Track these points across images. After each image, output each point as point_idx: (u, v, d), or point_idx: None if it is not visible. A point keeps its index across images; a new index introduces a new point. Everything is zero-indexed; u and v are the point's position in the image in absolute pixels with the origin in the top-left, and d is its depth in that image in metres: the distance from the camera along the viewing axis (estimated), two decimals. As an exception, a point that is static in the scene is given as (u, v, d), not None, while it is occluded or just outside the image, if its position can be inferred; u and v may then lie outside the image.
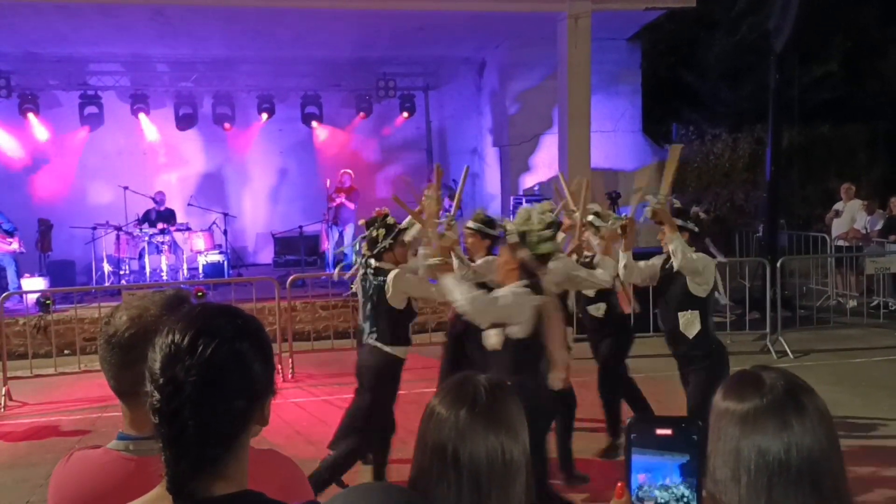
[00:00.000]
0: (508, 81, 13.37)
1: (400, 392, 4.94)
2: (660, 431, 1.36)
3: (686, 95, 18.09)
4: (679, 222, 4.82)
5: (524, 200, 12.57)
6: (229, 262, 12.35)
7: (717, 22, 17.20)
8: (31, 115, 13.22)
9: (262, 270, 13.51)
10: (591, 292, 5.70)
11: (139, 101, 13.63)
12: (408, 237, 5.08)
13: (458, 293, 4.07)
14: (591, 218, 5.72)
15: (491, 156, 14.57)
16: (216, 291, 11.09)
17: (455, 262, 4.68)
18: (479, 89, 15.04)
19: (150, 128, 14.07)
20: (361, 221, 5.15)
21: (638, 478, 1.36)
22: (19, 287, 10.49)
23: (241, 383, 1.25)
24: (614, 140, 13.56)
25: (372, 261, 4.85)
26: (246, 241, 14.88)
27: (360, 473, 5.47)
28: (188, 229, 12.33)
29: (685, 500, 1.33)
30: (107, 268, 11.72)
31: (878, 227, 12.23)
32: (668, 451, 1.35)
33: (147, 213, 12.29)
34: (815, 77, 16.73)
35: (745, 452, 1.35)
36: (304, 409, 7.20)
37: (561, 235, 5.42)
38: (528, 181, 13.28)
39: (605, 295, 5.65)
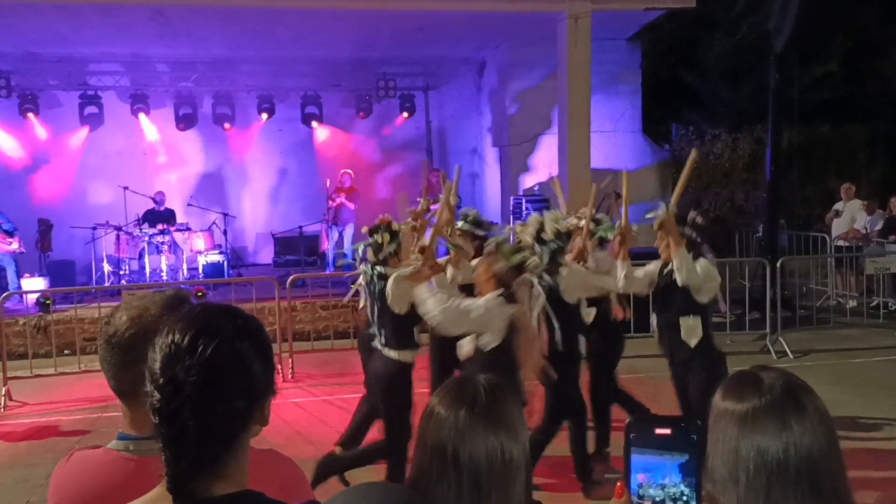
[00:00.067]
0: (508, 81, 13.37)
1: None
2: (659, 431, 1.36)
3: (686, 95, 18.09)
4: (680, 229, 4.75)
5: (524, 201, 12.59)
6: (229, 262, 12.36)
7: (716, 22, 17.20)
8: (31, 115, 13.22)
9: (262, 270, 13.51)
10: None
11: (139, 101, 13.63)
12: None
13: (430, 303, 4.11)
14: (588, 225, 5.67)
15: (491, 156, 14.57)
16: (216, 291, 11.09)
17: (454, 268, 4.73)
18: (478, 89, 15.05)
19: (150, 128, 14.07)
20: (365, 229, 5.09)
21: (637, 477, 1.36)
22: (19, 287, 10.49)
23: (241, 383, 1.25)
24: (614, 140, 13.55)
25: (378, 267, 4.83)
26: (246, 241, 14.88)
27: (360, 473, 5.47)
28: (188, 229, 12.33)
29: (684, 499, 1.33)
30: (107, 268, 11.72)
31: (878, 227, 12.24)
32: (667, 451, 1.35)
33: (147, 213, 12.29)
34: (815, 77, 16.74)
35: (743, 452, 1.35)
36: (304, 409, 7.20)
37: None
38: (528, 181, 13.28)
39: (596, 300, 5.55)
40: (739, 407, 1.38)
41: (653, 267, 5.02)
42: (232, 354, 1.24)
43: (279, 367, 8.15)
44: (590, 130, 10.89)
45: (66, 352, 9.08)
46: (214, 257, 12.04)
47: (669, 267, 4.79)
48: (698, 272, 4.65)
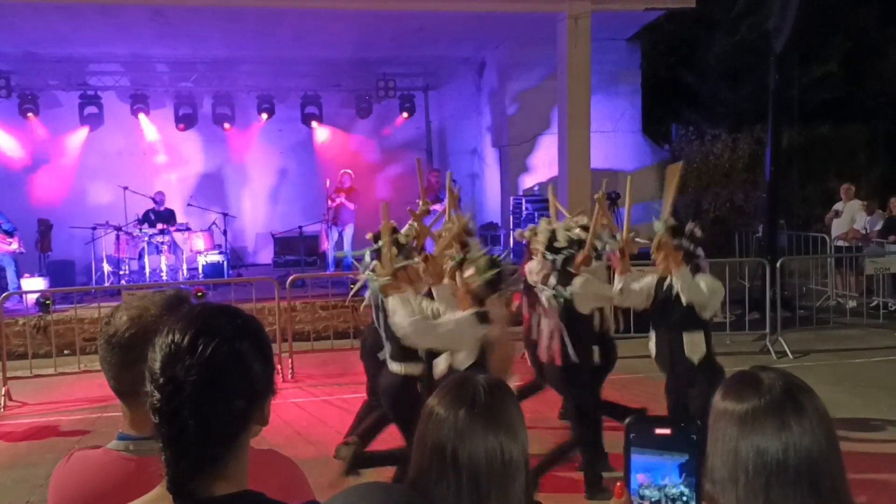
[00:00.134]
0: (508, 81, 13.37)
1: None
2: (659, 431, 1.36)
3: (686, 96, 18.08)
4: (675, 242, 4.61)
5: (524, 201, 12.60)
6: (229, 262, 12.35)
7: (716, 22, 17.19)
8: (31, 115, 13.22)
9: (262, 270, 13.51)
10: None
11: (139, 102, 13.64)
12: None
13: (399, 315, 4.10)
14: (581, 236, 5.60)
15: (490, 156, 14.58)
16: (216, 291, 11.09)
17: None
18: (478, 89, 15.05)
19: (150, 128, 14.07)
20: (369, 235, 5.02)
21: (637, 477, 1.36)
22: (19, 287, 10.49)
23: (241, 383, 1.25)
24: (614, 140, 13.56)
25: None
26: (246, 241, 14.88)
27: (360, 473, 5.47)
28: (188, 229, 12.33)
29: (684, 499, 1.33)
30: (106, 268, 11.72)
31: (878, 227, 12.24)
32: (667, 451, 1.35)
33: (147, 213, 12.29)
34: (815, 77, 16.73)
35: (743, 453, 1.35)
36: (304, 409, 7.20)
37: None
38: (528, 181, 13.29)
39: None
40: (739, 407, 1.38)
41: (650, 279, 4.85)
42: (232, 354, 1.24)
43: (279, 367, 8.15)
44: (590, 130, 10.89)
45: (65, 352, 9.08)
46: (214, 257, 12.04)
47: (668, 281, 4.66)
48: (703, 288, 4.54)
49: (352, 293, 5.51)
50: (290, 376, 8.41)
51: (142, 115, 13.74)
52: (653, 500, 1.35)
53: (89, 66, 13.69)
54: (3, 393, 7.69)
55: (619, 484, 1.38)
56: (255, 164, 14.90)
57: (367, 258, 4.93)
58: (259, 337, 1.31)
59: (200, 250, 12.23)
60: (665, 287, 4.71)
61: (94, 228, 11.84)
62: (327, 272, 11.88)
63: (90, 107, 13.56)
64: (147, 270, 11.63)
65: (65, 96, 13.73)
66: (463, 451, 1.40)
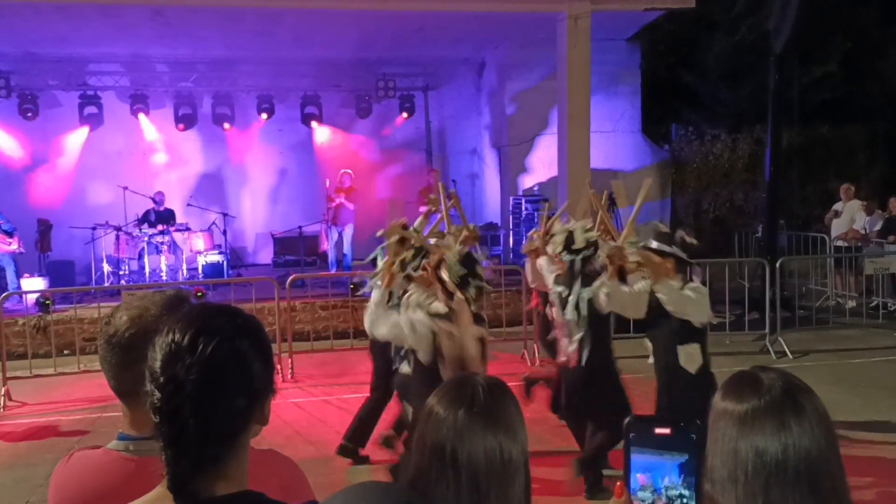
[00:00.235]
0: (508, 82, 13.37)
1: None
2: (658, 431, 1.36)
3: (685, 96, 18.08)
4: (665, 248, 4.47)
5: (523, 201, 12.60)
6: (229, 262, 12.35)
7: (716, 22, 17.19)
8: (30, 115, 13.22)
9: (262, 271, 13.51)
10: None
11: (139, 102, 13.64)
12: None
13: (370, 303, 4.30)
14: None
15: (490, 156, 14.58)
16: (216, 292, 11.09)
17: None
18: (478, 89, 15.05)
19: (150, 128, 14.07)
20: (380, 233, 4.98)
21: (637, 477, 1.36)
22: (19, 287, 10.48)
23: (241, 382, 1.25)
24: (614, 140, 13.57)
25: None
26: (245, 241, 14.88)
27: (360, 473, 5.48)
28: (188, 229, 12.33)
29: (684, 499, 1.33)
30: (106, 268, 11.72)
31: (878, 227, 12.24)
32: (666, 451, 1.35)
33: (146, 213, 12.29)
34: (815, 77, 16.73)
35: (742, 453, 1.35)
36: (304, 409, 7.20)
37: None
38: (528, 181, 13.29)
39: None
40: (739, 407, 1.38)
41: (643, 285, 4.63)
42: (232, 353, 1.25)
43: (279, 367, 8.15)
44: (589, 131, 10.89)
45: (65, 352, 9.08)
46: (214, 257, 12.04)
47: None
48: (691, 297, 4.36)
49: (361, 291, 5.48)
50: (289, 376, 8.42)
51: (141, 115, 13.74)
52: (653, 499, 1.35)
53: (89, 66, 13.69)
54: (2, 393, 7.69)
55: (618, 484, 1.38)
56: (254, 164, 14.90)
57: (379, 256, 4.93)
58: (259, 336, 1.32)
59: (200, 250, 12.23)
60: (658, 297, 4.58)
61: (93, 228, 11.84)
62: (331, 272, 11.89)
63: (90, 107, 13.57)
64: (147, 270, 11.63)
65: (65, 96, 13.73)
66: (462, 450, 1.40)
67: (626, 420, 1.40)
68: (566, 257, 5.10)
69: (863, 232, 12.28)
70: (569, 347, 5.06)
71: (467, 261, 4.23)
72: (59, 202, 13.52)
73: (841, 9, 14.03)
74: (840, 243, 12.41)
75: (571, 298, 5.01)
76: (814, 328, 10.19)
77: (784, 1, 10.15)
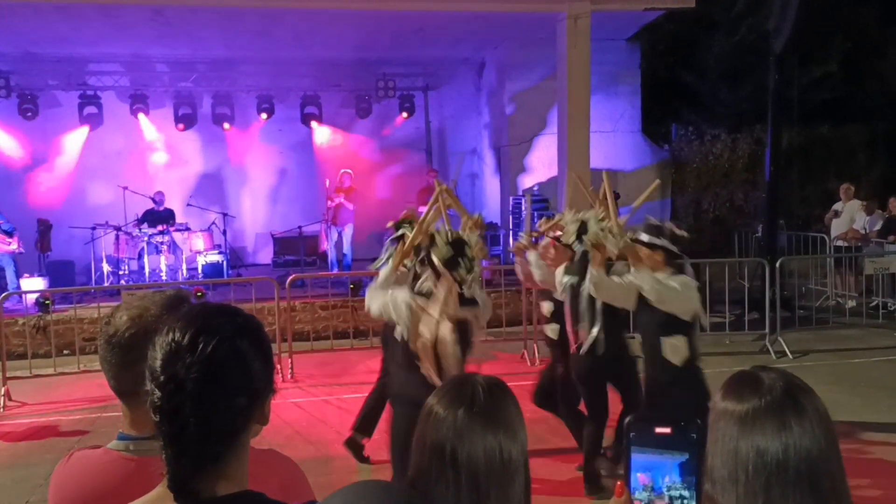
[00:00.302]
0: (508, 82, 13.38)
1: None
2: (659, 430, 1.36)
3: (685, 96, 18.08)
4: (657, 242, 4.44)
5: (523, 201, 12.59)
6: (228, 262, 12.35)
7: (716, 22, 17.20)
8: (30, 115, 13.22)
9: (262, 271, 13.52)
10: (547, 312, 5.58)
11: (138, 102, 13.64)
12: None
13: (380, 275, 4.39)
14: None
15: (490, 156, 14.59)
16: (215, 291, 11.09)
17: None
18: (478, 89, 15.06)
19: (150, 128, 14.07)
20: (390, 224, 5.00)
21: (637, 476, 1.36)
22: (18, 287, 10.48)
23: (241, 380, 1.26)
24: (613, 140, 13.57)
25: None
26: (245, 241, 14.88)
27: (359, 473, 5.48)
28: (187, 229, 12.33)
29: (684, 499, 1.33)
30: (106, 268, 11.72)
31: (877, 227, 12.24)
32: (667, 450, 1.35)
33: (146, 213, 12.29)
34: (815, 77, 16.73)
35: (743, 453, 1.35)
36: (304, 409, 7.20)
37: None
38: (528, 181, 13.29)
39: (559, 315, 5.40)
40: (739, 407, 1.38)
41: (633, 278, 4.59)
42: (232, 352, 1.25)
43: (279, 367, 8.15)
44: (589, 131, 10.90)
45: (65, 352, 9.08)
46: (214, 257, 12.04)
47: None
48: (676, 288, 4.33)
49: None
50: (289, 376, 8.41)
51: (141, 115, 13.74)
52: (653, 499, 1.35)
53: (89, 66, 13.70)
54: (2, 393, 7.68)
55: (619, 483, 1.38)
56: (254, 164, 14.90)
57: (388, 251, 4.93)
58: (259, 336, 1.32)
59: (200, 250, 12.23)
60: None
61: (93, 228, 11.84)
62: (327, 272, 11.89)
63: (90, 107, 13.57)
64: (146, 270, 11.63)
65: (64, 96, 13.74)
66: (462, 450, 1.40)
67: (627, 419, 1.40)
68: (579, 247, 5.09)
69: (863, 232, 12.28)
70: (588, 336, 5.05)
71: (456, 243, 4.24)
72: (58, 202, 13.52)
73: (841, 9, 14.02)
74: (840, 243, 12.42)
75: (584, 288, 5.01)
76: (814, 328, 10.19)
77: (784, 1, 10.15)
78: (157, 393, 1.23)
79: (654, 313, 4.44)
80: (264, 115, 14.15)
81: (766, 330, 9.24)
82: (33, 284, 10.74)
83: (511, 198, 13.14)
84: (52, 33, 11.42)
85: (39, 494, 5.18)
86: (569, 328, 5.23)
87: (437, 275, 4.11)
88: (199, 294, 10.40)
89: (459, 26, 11.73)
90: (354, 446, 5.68)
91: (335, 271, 11.98)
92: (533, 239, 5.92)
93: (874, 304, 11.21)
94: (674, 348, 4.37)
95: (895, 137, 17.95)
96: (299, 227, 12.87)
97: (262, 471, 1.45)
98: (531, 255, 5.58)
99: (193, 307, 1.36)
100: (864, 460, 5.40)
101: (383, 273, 4.41)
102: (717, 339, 9.21)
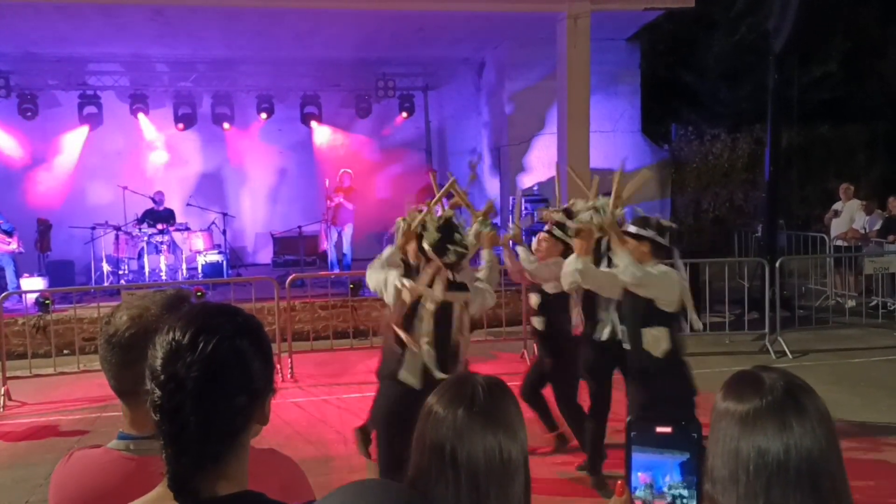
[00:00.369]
0: (507, 81, 13.37)
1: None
2: (660, 430, 1.36)
3: (685, 95, 18.09)
4: (644, 233, 4.42)
5: (523, 200, 12.59)
6: (228, 261, 12.35)
7: (716, 22, 17.20)
8: (30, 115, 13.22)
9: (262, 270, 13.51)
10: (535, 304, 5.54)
11: (138, 101, 13.64)
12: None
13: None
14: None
15: (490, 156, 14.58)
16: (215, 291, 11.09)
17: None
18: (478, 89, 15.05)
19: (150, 128, 14.07)
20: (400, 220, 5.02)
21: (638, 476, 1.36)
22: (18, 287, 10.48)
23: (241, 380, 1.26)
24: (613, 140, 13.56)
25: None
26: (245, 241, 14.88)
27: (359, 472, 5.48)
28: (187, 229, 12.33)
29: (684, 498, 1.34)
30: (106, 268, 11.72)
31: (877, 227, 12.25)
32: (667, 450, 1.35)
33: (146, 212, 12.29)
34: (815, 77, 16.74)
35: (744, 453, 1.35)
36: (304, 409, 7.20)
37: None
38: (527, 181, 13.29)
39: (546, 308, 5.39)
40: (740, 407, 1.38)
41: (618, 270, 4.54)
42: (232, 351, 1.25)
43: (278, 367, 8.15)
44: (589, 130, 10.90)
45: (65, 352, 9.08)
46: (213, 257, 12.04)
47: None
48: (654, 274, 4.30)
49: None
50: (289, 376, 8.41)
51: (141, 115, 13.74)
52: (653, 498, 1.35)
53: (89, 66, 13.69)
54: (2, 393, 7.68)
55: (619, 482, 1.38)
56: (254, 164, 14.90)
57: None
58: (259, 335, 1.32)
59: (200, 250, 12.23)
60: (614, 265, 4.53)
61: (93, 228, 11.84)
62: (327, 272, 11.88)
63: (89, 106, 13.58)
64: (146, 270, 11.63)
65: (64, 96, 13.74)
66: (462, 450, 1.40)
67: (628, 419, 1.40)
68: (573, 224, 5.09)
69: (862, 231, 12.28)
70: (603, 329, 5.06)
71: (446, 227, 4.23)
72: (58, 202, 13.52)
73: (841, 9, 14.00)
74: (840, 243, 12.42)
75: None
76: (813, 328, 10.19)
77: (784, 1, 10.15)
78: (158, 392, 1.23)
79: (636, 303, 4.42)
80: (264, 115, 14.15)
81: (766, 330, 9.24)
82: (33, 284, 10.74)
83: (511, 197, 13.13)
84: (52, 33, 11.41)
85: (39, 494, 5.18)
86: (576, 318, 5.23)
87: (428, 259, 4.16)
88: (199, 294, 10.40)
89: (459, 26, 11.72)
90: (364, 436, 5.65)
91: (335, 271, 11.98)
92: (523, 231, 5.92)
93: (874, 303, 11.21)
94: (654, 339, 4.34)
95: (895, 137, 17.95)
96: (299, 227, 12.87)
97: (262, 470, 1.45)
98: (521, 250, 5.56)
99: (194, 307, 1.36)
100: (865, 460, 5.40)
101: (387, 251, 4.49)
102: (717, 338, 9.22)
